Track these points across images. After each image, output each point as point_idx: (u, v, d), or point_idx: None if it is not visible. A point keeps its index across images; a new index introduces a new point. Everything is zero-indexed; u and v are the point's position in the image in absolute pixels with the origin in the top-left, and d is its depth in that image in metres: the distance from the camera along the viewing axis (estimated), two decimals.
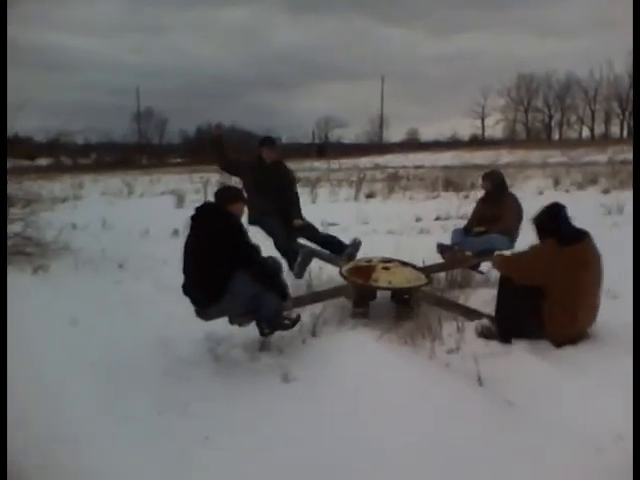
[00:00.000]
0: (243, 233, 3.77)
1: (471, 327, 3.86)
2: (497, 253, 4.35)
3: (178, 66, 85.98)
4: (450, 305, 4.36)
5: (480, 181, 5.94)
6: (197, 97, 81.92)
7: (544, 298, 3.58)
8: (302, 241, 5.51)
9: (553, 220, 3.74)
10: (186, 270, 3.78)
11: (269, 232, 5.28)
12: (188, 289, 3.76)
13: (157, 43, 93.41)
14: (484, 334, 3.81)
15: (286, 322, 3.83)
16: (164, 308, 4.56)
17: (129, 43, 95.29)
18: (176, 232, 7.99)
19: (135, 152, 52.79)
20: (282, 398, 3.18)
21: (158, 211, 11.35)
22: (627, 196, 11.31)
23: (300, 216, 5.48)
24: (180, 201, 12.83)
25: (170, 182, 20.67)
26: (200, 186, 15.71)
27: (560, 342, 3.59)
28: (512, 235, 5.35)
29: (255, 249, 3.81)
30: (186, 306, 3.82)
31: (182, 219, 8.21)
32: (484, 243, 5.38)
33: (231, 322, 3.85)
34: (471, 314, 4.11)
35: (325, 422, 2.87)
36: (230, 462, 2.62)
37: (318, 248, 5.51)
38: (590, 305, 3.64)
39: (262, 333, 3.85)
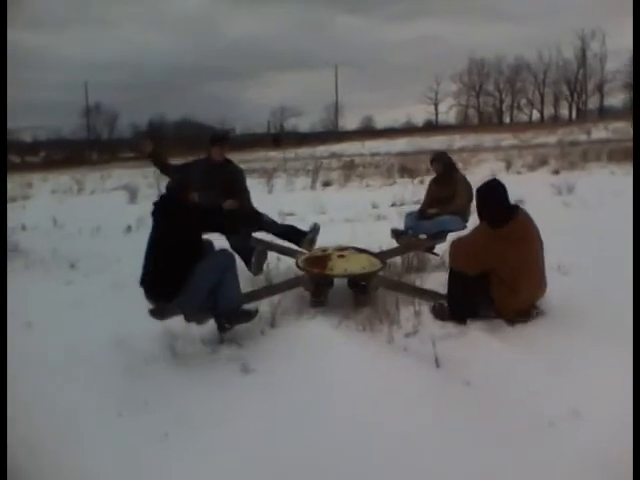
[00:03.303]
0: (201, 208, 3.84)
1: (428, 310, 3.91)
2: (452, 242, 4.37)
3: (128, 59, 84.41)
4: (406, 288, 4.40)
5: (430, 165, 5.98)
6: (148, 90, 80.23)
7: (490, 278, 3.64)
8: (260, 234, 5.47)
9: (485, 203, 3.77)
10: (147, 264, 3.70)
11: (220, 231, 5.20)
12: (147, 283, 3.68)
13: (106, 36, 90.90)
14: (439, 315, 3.87)
15: (245, 315, 3.80)
16: (119, 307, 4.45)
17: (77, 37, 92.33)
18: (129, 228, 7.83)
19: (85, 148, 51.49)
20: (242, 390, 3.15)
21: (110, 208, 11.11)
22: (576, 176, 11.68)
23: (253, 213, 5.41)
24: (133, 196, 12.58)
25: (122, 177, 20.25)
26: (153, 180, 15.39)
27: (511, 318, 3.67)
28: (464, 215, 5.43)
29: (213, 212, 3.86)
30: (141, 303, 3.74)
31: (135, 215, 8.09)
32: (437, 225, 5.45)
33: (187, 320, 3.79)
34: (427, 296, 4.17)
35: (287, 412, 2.86)
36: (191, 457, 2.59)
37: (276, 240, 5.47)
38: (534, 279, 3.70)
39: (222, 328, 3.80)
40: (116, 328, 4.05)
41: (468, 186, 5.54)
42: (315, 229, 5.37)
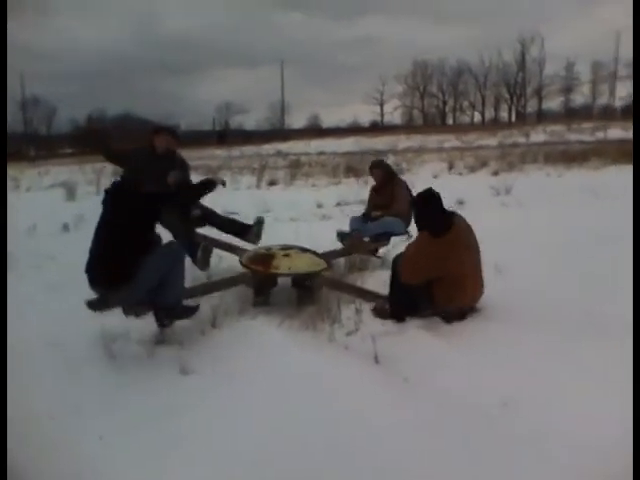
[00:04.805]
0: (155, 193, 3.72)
1: (369, 309, 3.96)
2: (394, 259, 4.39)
3: (67, 50, 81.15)
4: (348, 288, 4.45)
5: (369, 172, 6.07)
6: (88, 83, 77.72)
7: (432, 285, 3.74)
8: (204, 229, 5.41)
9: (423, 214, 3.86)
10: (95, 250, 3.58)
11: (166, 226, 5.10)
12: (93, 270, 3.56)
13: (43, 23, 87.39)
14: (380, 314, 3.93)
15: (185, 311, 3.75)
16: (53, 308, 4.30)
17: (12, 24, 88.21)
18: (66, 227, 7.57)
19: (21, 143, 49.41)
20: (182, 392, 3.09)
21: (47, 205, 10.71)
22: (514, 177, 12.07)
23: (196, 206, 5.32)
24: (71, 194, 12.16)
25: (60, 174, 19.54)
26: (93, 177, 14.96)
27: (450, 317, 3.77)
28: (405, 218, 5.52)
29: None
30: (77, 304, 3.62)
31: (73, 213, 7.83)
32: (381, 226, 5.54)
33: (126, 313, 3.70)
34: (368, 295, 4.24)
35: (226, 414, 2.82)
36: (128, 460, 2.53)
37: (221, 236, 5.42)
38: (476, 280, 3.83)
39: (161, 324, 3.74)
40: (50, 330, 3.91)
41: (408, 191, 5.66)
42: (260, 222, 5.36)
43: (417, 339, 3.48)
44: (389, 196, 5.66)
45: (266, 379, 3.06)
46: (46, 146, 52.34)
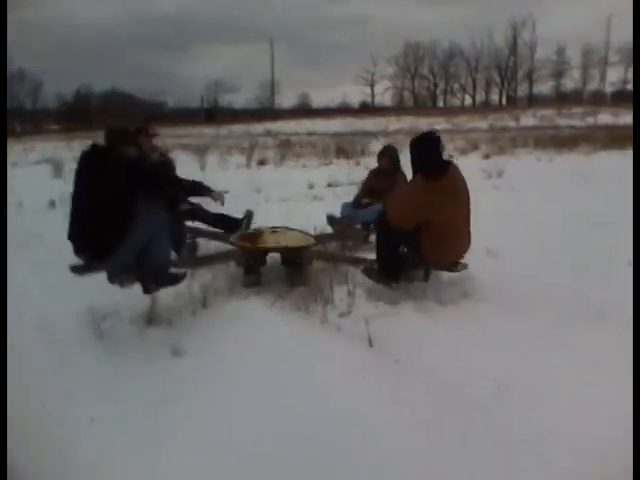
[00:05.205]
0: (140, 172, 3.54)
1: (362, 292, 3.94)
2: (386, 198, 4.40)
3: (56, 25, 79.49)
4: (339, 258, 4.55)
5: (377, 158, 5.95)
6: (74, 58, 76.27)
7: (420, 234, 3.72)
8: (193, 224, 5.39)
9: (423, 155, 3.80)
10: (75, 219, 3.49)
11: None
12: (76, 238, 3.49)
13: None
14: (368, 274, 4.01)
15: (173, 277, 3.70)
16: (39, 287, 4.23)
17: None
18: (52, 203, 7.46)
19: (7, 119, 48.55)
20: (173, 373, 3.05)
21: (33, 182, 10.54)
22: (505, 161, 12.08)
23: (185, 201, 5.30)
24: (58, 170, 11.97)
25: (46, 150, 19.24)
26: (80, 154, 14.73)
27: (440, 268, 3.87)
28: None
29: (157, 177, 3.59)
30: (64, 282, 3.56)
31: (59, 189, 7.72)
32: (372, 213, 5.48)
33: (111, 280, 3.62)
34: (360, 263, 4.34)
35: (220, 397, 2.78)
36: (120, 444, 2.49)
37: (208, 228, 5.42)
38: (462, 233, 3.82)
39: (147, 289, 3.67)
40: (36, 310, 3.85)
41: (406, 182, 5.60)
42: (248, 215, 5.33)
43: (410, 321, 3.45)
44: (388, 182, 5.59)
45: (259, 361, 3.02)
46: (32, 121, 51.48)
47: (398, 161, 5.82)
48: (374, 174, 5.98)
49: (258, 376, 2.92)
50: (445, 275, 4.09)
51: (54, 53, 75.90)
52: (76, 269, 3.50)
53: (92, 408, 2.74)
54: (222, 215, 5.42)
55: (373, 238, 5.49)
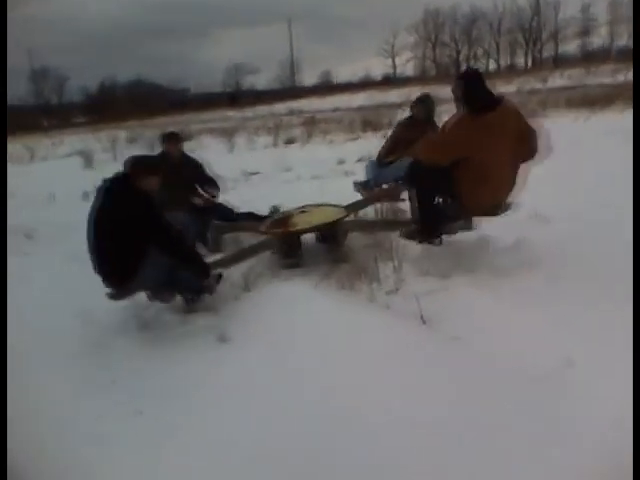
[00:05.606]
0: (154, 212, 3.36)
1: (408, 267, 3.76)
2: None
3: (72, 19, 79.78)
4: (375, 225, 4.44)
5: (411, 107, 5.63)
6: (97, 50, 76.61)
7: (459, 172, 3.53)
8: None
9: (464, 90, 3.61)
10: (95, 249, 3.39)
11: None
12: (100, 267, 3.40)
13: None
14: (408, 235, 3.89)
15: (209, 284, 3.62)
16: (79, 277, 4.18)
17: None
18: (86, 195, 7.44)
19: (34, 114, 49.25)
20: (220, 361, 2.96)
21: (65, 174, 10.61)
22: (537, 123, 11.64)
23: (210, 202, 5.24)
24: (88, 162, 12.03)
25: (75, 143, 19.40)
26: (108, 145, 14.80)
27: (480, 214, 3.73)
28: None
29: (168, 227, 3.44)
30: None
31: (92, 180, 7.68)
32: (400, 169, 5.23)
33: (151, 299, 3.60)
34: (399, 225, 4.21)
35: (269, 382, 2.68)
36: (167, 436, 2.42)
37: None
38: (507, 173, 3.61)
39: (187, 302, 3.64)
40: (78, 300, 3.81)
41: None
42: (275, 211, 5.22)
43: (464, 296, 3.26)
44: (419, 136, 5.33)
45: (309, 342, 2.91)
46: (58, 116, 52.08)
47: (433, 111, 5.51)
48: (404, 125, 5.63)
49: (308, 359, 2.80)
50: (496, 242, 3.87)
51: (75, 47, 75.96)
52: (113, 296, 3.43)
53: (135, 397, 2.69)
54: (246, 213, 5.30)
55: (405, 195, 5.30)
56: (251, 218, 5.16)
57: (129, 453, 2.36)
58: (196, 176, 5.26)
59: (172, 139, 5.24)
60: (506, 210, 3.74)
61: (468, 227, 3.88)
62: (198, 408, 2.59)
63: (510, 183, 3.66)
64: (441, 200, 3.81)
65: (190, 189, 5.14)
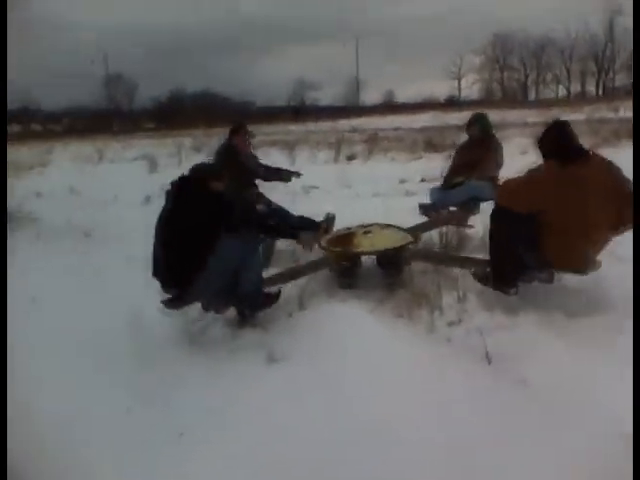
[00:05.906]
0: (227, 203, 3.34)
1: (473, 297, 3.54)
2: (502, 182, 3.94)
3: (144, 31, 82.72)
4: (442, 258, 4.10)
5: (466, 128, 5.42)
6: (166, 62, 79.39)
7: (542, 225, 3.26)
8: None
9: (553, 139, 3.39)
10: (159, 249, 3.35)
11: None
12: (160, 270, 3.35)
13: (122, 6, 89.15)
14: (480, 278, 3.61)
15: (266, 300, 3.53)
16: (134, 280, 4.16)
17: (93, 5, 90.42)
18: (148, 198, 7.55)
19: (106, 118, 51.45)
20: (268, 381, 2.83)
21: (130, 177, 10.87)
22: (607, 153, 11.11)
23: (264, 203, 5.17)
24: (153, 166, 12.30)
25: (142, 147, 19.96)
26: (174, 150, 15.12)
27: (565, 271, 3.41)
28: (493, 180, 4.93)
29: (250, 211, 3.41)
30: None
31: (156, 184, 7.81)
32: (465, 192, 5.03)
33: (206, 309, 3.51)
34: (468, 263, 3.86)
35: (318, 407, 2.53)
36: (209, 458, 2.30)
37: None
38: (595, 232, 3.28)
39: (243, 316, 3.53)
40: (130, 305, 3.76)
41: (501, 150, 5.12)
42: (329, 218, 5.08)
43: (533, 335, 3.02)
44: (480, 153, 5.05)
45: (362, 370, 2.74)
46: (128, 121, 54.11)
47: (490, 127, 5.29)
48: (463, 147, 5.48)
49: (358, 388, 2.64)
50: (572, 279, 3.59)
51: (146, 57, 78.83)
52: (168, 304, 3.37)
53: (178, 416, 2.59)
54: (303, 218, 5.19)
55: (473, 220, 5.06)
56: (304, 222, 5.05)
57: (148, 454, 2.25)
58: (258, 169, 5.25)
59: (240, 131, 5.19)
60: (595, 269, 3.39)
61: (548, 280, 3.53)
62: (244, 430, 2.47)
63: (601, 242, 3.37)
64: (523, 247, 3.47)
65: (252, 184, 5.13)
